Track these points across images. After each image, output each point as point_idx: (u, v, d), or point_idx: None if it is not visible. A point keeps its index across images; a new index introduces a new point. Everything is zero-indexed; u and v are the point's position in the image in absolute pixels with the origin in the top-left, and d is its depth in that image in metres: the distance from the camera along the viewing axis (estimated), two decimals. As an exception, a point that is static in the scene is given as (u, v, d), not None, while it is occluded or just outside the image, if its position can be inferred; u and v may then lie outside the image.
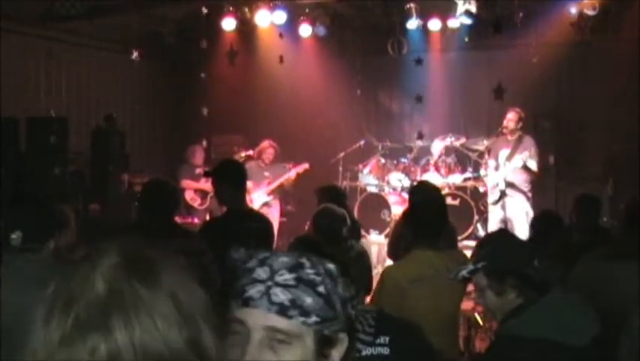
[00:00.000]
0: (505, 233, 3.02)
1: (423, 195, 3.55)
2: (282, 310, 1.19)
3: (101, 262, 0.91)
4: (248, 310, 1.20)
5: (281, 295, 1.19)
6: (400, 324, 2.28)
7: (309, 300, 1.20)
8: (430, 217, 3.41)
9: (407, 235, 3.49)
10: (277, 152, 8.58)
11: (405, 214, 3.86)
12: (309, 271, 1.22)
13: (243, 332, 1.20)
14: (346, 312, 1.26)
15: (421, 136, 9.16)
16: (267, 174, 8.49)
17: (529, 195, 8.18)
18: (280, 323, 1.19)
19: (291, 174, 8.53)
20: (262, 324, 1.19)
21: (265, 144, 8.57)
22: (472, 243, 8.01)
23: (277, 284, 1.20)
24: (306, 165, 8.58)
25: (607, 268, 3.25)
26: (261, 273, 1.23)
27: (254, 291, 1.21)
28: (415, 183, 6.74)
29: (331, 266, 1.27)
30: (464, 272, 2.48)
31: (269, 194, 8.46)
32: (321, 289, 1.22)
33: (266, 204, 8.32)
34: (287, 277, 1.21)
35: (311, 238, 3.26)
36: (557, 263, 3.61)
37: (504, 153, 8.13)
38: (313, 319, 1.20)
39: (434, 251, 3.32)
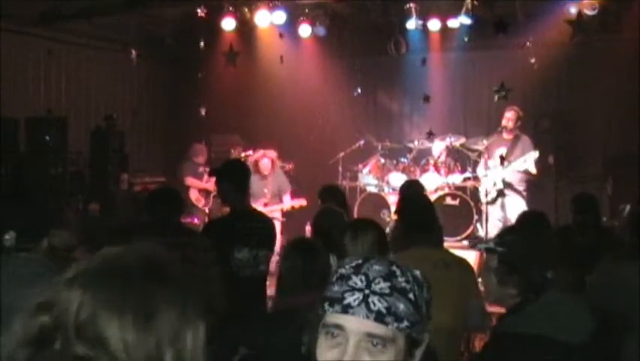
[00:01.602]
0: (540, 235, 2.95)
1: (413, 191, 3.57)
2: (380, 317, 1.29)
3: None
4: (347, 317, 1.30)
5: (378, 304, 1.30)
6: None
7: (402, 307, 1.31)
8: (421, 211, 3.44)
9: (400, 230, 3.51)
10: (275, 162, 8.27)
11: (397, 211, 3.88)
12: (401, 279, 1.33)
13: (341, 335, 1.31)
14: (428, 313, 1.37)
15: (431, 134, 8.91)
16: (265, 190, 8.18)
17: (525, 194, 8.24)
18: (377, 329, 1.30)
19: (286, 205, 8.24)
20: (361, 330, 1.30)
21: (259, 154, 8.26)
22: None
23: (374, 293, 1.31)
24: (303, 202, 8.22)
25: (629, 269, 3.23)
26: (358, 281, 1.33)
27: (352, 299, 1.31)
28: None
29: (417, 273, 1.38)
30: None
31: None
32: (411, 295, 1.33)
33: None
34: (382, 285, 1.31)
35: (305, 240, 3.27)
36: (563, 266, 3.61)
37: (500, 152, 8.17)
38: (405, 324, 1.31)
39: (431, 248, 3.34)
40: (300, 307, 2.53)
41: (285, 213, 8.78)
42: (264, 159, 8.20)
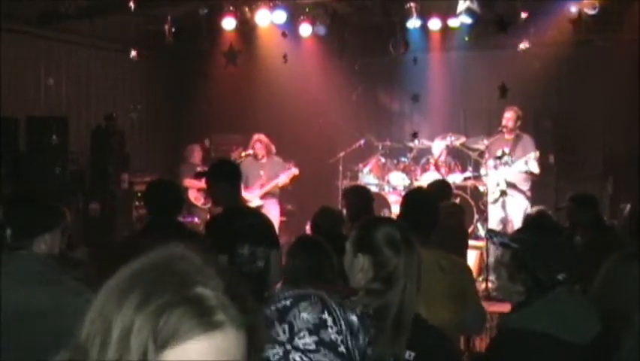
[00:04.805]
0: (555, 237, 2.90)
1: (414, 193, 3.58)
2: None
3: None
4: None
5: None
6: (430, 338, 2.21)
7: None
8: (420, 210, 3.44)
9: None
10: (268, 145, 8.50)
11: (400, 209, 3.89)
12: (331, 330, 1.17)
13: None
14: (365, 358, 1.23)
15: (415, 135, 9.06)
16: (261, 172, 8.42)
17: (529, 194, 8.23)
18: None
19: (281, 179, 8.49)
20: None
21: (254, 138, 8.55)
22: (473, 242, 8.02)
23: (296, 349, 1.16)
24: (295, 171, 8.53)
25: (630, 269, 3.22)
26: (280, 332, 1.17)
27: (272, 353, 1.16)
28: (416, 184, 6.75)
29: (354, 319, 1.22)
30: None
31: (261, 198, 8.39)
32: (341, 348, 1.18)
33: (259, 207, 8.20)
34: (307, 340, 1.16)
35: (312, 238, 3.28)
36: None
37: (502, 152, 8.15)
38: None
39: (429, 248, 3.34)
40: None
41: (284, 212, 8.81)
42: (257, 143, 8.48)
